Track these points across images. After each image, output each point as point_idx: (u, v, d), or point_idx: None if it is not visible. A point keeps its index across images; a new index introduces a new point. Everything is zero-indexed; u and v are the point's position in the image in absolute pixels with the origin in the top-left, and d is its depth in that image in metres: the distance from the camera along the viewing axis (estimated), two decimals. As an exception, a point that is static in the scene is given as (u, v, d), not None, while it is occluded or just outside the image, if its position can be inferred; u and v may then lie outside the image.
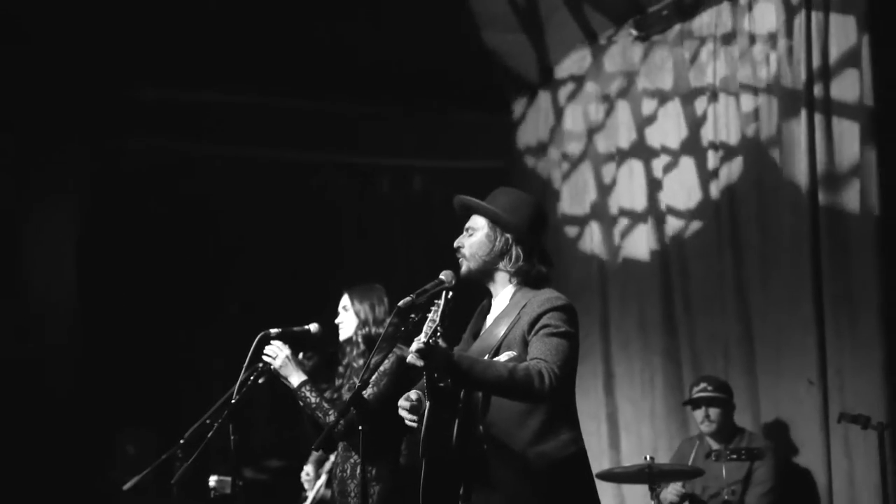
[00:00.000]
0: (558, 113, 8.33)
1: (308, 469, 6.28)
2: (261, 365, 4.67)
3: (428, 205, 9.04)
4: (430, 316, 3.43)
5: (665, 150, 7.15)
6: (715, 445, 5.92)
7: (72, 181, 8.03)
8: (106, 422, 7.77)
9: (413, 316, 3.85)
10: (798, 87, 6.08)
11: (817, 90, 5.96)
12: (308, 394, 4.60)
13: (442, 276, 3.84)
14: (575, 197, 8.06)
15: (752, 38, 6.48)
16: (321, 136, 8.80)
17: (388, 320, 4.74)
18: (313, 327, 4.80)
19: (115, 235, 8.18)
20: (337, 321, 4.92)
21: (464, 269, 3.78)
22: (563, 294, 3.70)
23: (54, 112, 7.83)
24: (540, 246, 3.82)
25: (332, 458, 5.93)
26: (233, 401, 4.49)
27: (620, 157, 7.57)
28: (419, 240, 8.93)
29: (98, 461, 7.63)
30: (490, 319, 3.79)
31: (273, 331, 4.68)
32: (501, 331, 3.64)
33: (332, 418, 4.51)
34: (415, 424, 3.58)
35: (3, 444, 7.29)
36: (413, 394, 3.67)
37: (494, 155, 9.10)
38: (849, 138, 5.79)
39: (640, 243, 7.35)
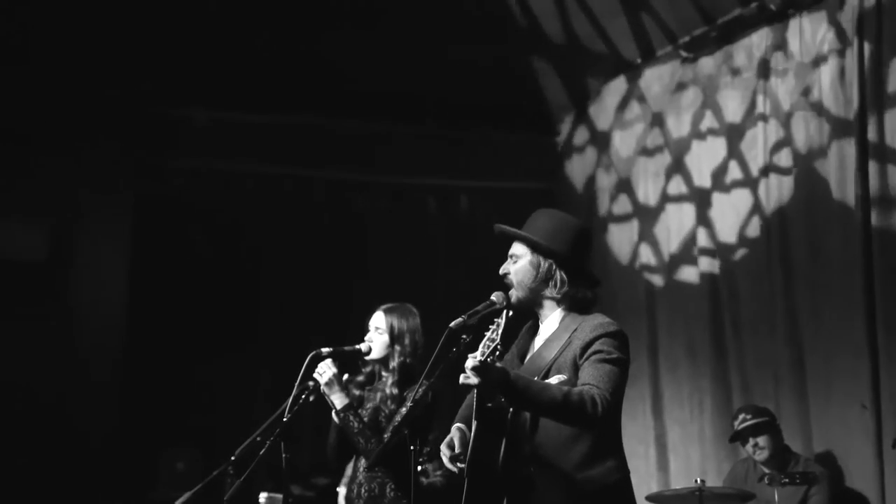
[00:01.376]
0: (605, 134, 8.32)
1: (342, 490, 6.23)
2: (311, 383, 4.70)
3: (473, 225, 9.05)
4: (488, 335, 3.41)
5: (714, 172, 7.11)
6: (769, 471, 5.86)
7: (123, 203, 8.16)
8: (153, 440, 7.85)
9: (464, 337, 3.85)
10: (850, 108, 6.04)
11: (870, 111, 5.91)
12: (352, 418, 4.64)
13: (493, 298, 3.83)
14: (622, 219, 8.03)
15: (803, 59, 6.46)
16: (366, 156, 8.85)
17: (419, 346, 4.77)
18: (364, 347, 4.82)
19: (163, 255, 8.30)
20: (367, 339, 4.84)
21: (514, 299, 3.74)
22: (612, 318, 3.68)
23: (102, 134, 7.97)
24: (585, 268, 3.79)
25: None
26: (285, 419, 4.51)
27: (669, 178, 7.55)
28: (462, 260, 8.94)
29: (146, 478, 7.71)
30: (539, 342, 3.76)
31: (325, 350, 4.69)
32: (552, 354, 3.62)
33: (372, 445, 4.57)
34: (455, 469, 3.55)
35: (53, 462, 7.39)
36: (456, 439, 3.63)
37: (540, 176, 9.11)
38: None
39: (688, 266, 7.31)
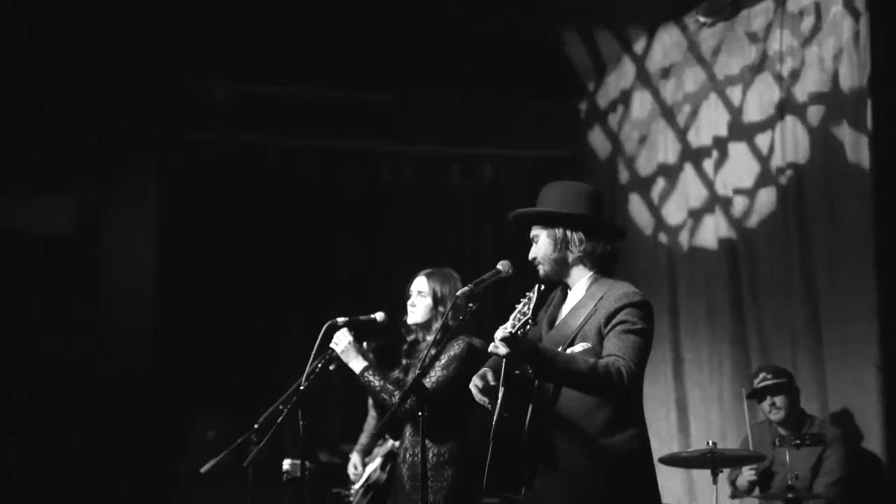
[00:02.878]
0: (626, 101, 8.35)
1: (355, 460, 6.31)
2: (329, 352, 4.81)
3: (496, 193, 9.13)
4: (519, 307, 3.48)
5: (732, 136, 7.14)
6: (784, 433, 5.94)
7: (150, 176, 8.30)
8: (184, 409, 8.03)
9: (471, 305, 3.98)
10: (864, 71, 6.02)
11: (885, 74, 5.90)
12: (371, 378, 4.72)
13: (499, 267, 3.99)
14: (643, 184, 8.08)
15: (819, 24, 6.44)
16: (390, 126, 8.93)
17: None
18: (379, 316, 4.90)
19: (190, 227, 8.45)
20: (410, 303, 4.92)
21: (541, 273, 3.85)
22: (635, 285, 3.76)
23: (130, 108, 8.11)
24: (600, 223, 3.87)
25: (380, 443, 6.05)
26: (301, 387, 4.62)
27: (688, 144, 7.58)
28: (487, 228, 9.03)
29: (177, 447, 7.90)
30: (566, 309, 3.84)
31: (340, 319, 4.80)
32: (578, 321, 3.70)
33: (396, 399, 4.61)
34: (485, 403, 3.64)
35: (84, 433, 7.58)
36: (488, 373, 3.70)
37: (563, 143, 9.15)
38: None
39: (707, 231, 7.35)
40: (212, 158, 8.66)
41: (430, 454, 4.68)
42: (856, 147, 6.10)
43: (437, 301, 4.85)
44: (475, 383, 3.67)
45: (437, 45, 8.24)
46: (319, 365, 4.72)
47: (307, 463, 4.96)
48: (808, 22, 6.52)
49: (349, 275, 8.72)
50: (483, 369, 3.73)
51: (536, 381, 3.61)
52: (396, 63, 8.48)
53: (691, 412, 7.38)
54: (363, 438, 6.33)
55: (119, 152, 8.13)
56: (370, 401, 6.29)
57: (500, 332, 3.39)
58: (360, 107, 8.85)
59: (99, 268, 7.99)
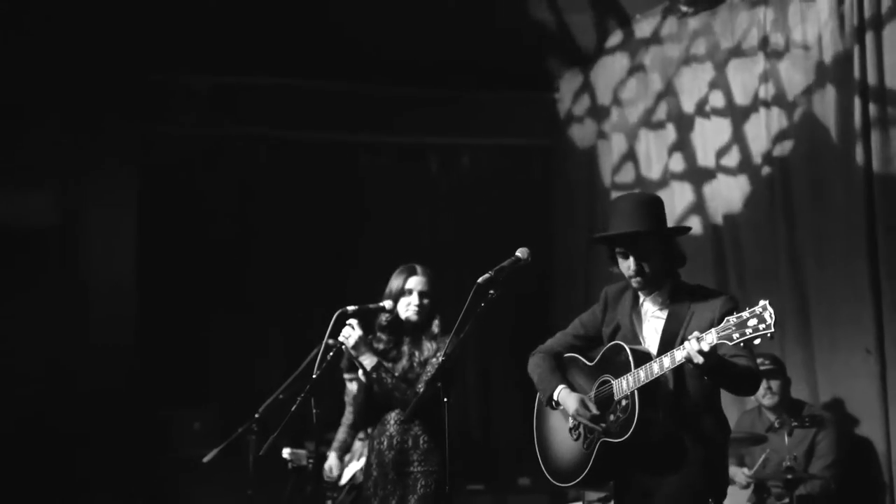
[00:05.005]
0: (605, 88, 8.40)
1: (332, 462, 6.26)
2: (331, 341, 4.75)
3: (475, 183, 9.15)
4: (720, 330, 3.70)
5: (718, 122, 7.20)
6: (775, 418, 6.00)
7: (127, 168, 8.24)
8: (168, 398, 7.96)
9: (492, 292, 3.99)
10: (850, 56, 6.09)
11: (871, 59, 5.96)
12: (384, 375, 4.74)
13: (518, 254, 4.09)
14: (623, 170, 8.13)
15: (802, 11, 6.51)
16: (368, 117, 8.92)
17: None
18: (388, 304, 4.90)
19: (170, 219, 8.38)
20: (413, 302, 4.89)
21: (641, 284, 4.03)
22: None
23: (107, 102, 8.03)
24: (669, 228, 4.11)
25: (360, 437, 6.05)
26: (314, 375, 4.60)
27: (672, 129, 7.63)
28: (465, 218, 9.05)
29: (162, 439, 7.82)
30: (652, 312, 4.07)
31: (350, 308, 4.77)
32: (677, 327, 3.96)
33: (409, 395, 4.66)
34: (598, 427, 3.92)
35: (74, 424, 7.50)
36: (588, 402, 3.98)
37: (540, 133, 9.21)
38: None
39: (693, 217, 7.40)
40: (191, 150, 8.61)
41: (422, 441, 4.77)
42: (842, 131, 6.16)
43: (437, 302, 4.92)
44: (583, 413, 3.95)
45: (415, 36, 8.23)
46: (331, 353, 4.69)
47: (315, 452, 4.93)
48: (792, 7, 6.57)
49: (329, 263, 8.68)
50: (573, 396, 4.02)
51: (657, 388, 3.88)
52: (374, 54, 8.46)
53: (678, 399, 7.41)
54: (340, 434, 6.30)
55: (98, 145, 8.05)
56: (347, 396, 6.28)
57: (696, 345, 3.65)
58: (336, 98, 8.84)
59: (79, 260, 7.91)
